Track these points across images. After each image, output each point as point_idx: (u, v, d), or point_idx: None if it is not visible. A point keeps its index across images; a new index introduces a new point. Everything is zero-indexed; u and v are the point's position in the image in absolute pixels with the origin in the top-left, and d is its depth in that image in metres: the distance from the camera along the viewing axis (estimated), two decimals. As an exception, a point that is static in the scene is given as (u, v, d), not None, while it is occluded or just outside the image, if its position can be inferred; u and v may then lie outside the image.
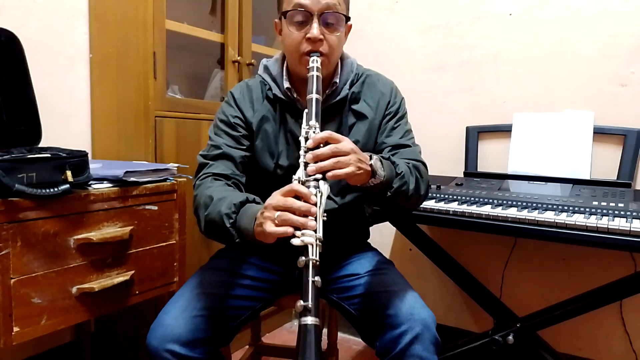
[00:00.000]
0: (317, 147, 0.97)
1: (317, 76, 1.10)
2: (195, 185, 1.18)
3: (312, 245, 0.88)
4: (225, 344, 1.16)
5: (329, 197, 1.05)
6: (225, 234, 1.02)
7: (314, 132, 1.01)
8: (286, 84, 1.21)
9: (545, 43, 1.77)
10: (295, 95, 1.22)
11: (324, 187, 0.95)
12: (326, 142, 0.97)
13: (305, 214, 0.89)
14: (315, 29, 1.11)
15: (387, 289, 1.13)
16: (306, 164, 0.97)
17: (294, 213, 0.89)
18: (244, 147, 1.22)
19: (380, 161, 1.06)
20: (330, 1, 1.12)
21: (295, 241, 0.88)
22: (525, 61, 1.81)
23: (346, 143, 0.98)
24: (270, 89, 1.24)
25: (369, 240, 1.43)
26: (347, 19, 1.18)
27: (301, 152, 1.00)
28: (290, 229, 0.88)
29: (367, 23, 2.13)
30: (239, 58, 1.88)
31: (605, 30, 1.66)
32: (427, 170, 1.23)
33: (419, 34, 2.02)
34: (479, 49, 1.89)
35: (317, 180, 0.95)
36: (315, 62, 1.11)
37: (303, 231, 0.88)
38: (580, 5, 1.70)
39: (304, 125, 1.05)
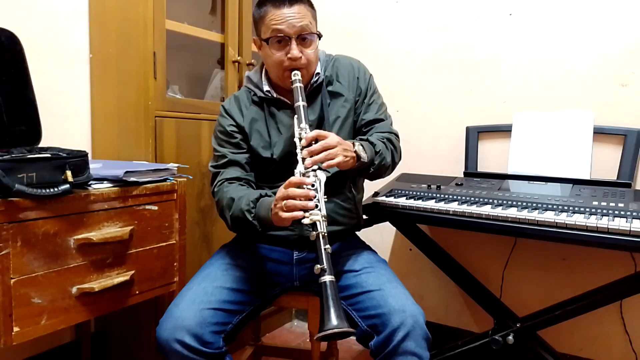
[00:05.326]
0: (309, 144, 1.18)
1: (299, 87, 1.29)
2: (213, 192, 1.37)
3: (319, 222, 1.10)
4: (232, 339, 1.21)
5: (322, 169, 1.29)
6: (249, 226, 1.23)
7: (305, 132, 1.22)
8: (266, 87, 1.39)
9: (545, 43, 1.77)
10: (275, 95, 1.39)
11: (321, 175, 1.17)
12: (317, 139, 1.18)
13: (305, 198, 1.10)
14: (294, 50, 1.29)
15: (380, 288, 1.20)
16: (303, 159, 1.18)
17: (296, 199, 1.10)
18: (245, 150, 1.39)
19: (362, 145, 1.26)
20: (305, 24, 1.29)
21: (305, 220, 1.10)
22: (525, 61, 1.81)
23: (332, 137, 1.19)
24: (255, 94, 1.40)
25: (363, 239, 1.48)
26: (320, 35, 1.35)
27: (297, 150, 1.21)
28: (299, 213, 1.10)
29: (367, 23, 2.13)
30: (239, 58, 1.88)
31: (605, 30, 1.66)
32: (398, 139, 1.42)
33: (419, 34, 2.02)
34: (479, 49, 1.89)
35: (314, 170, 1.17)
36: (296, 75, 1.30)
37: (310, 212, 1.10)
38: (581, 5, 1.70)
39: (296, 127, 1.25)
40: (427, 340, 1.13)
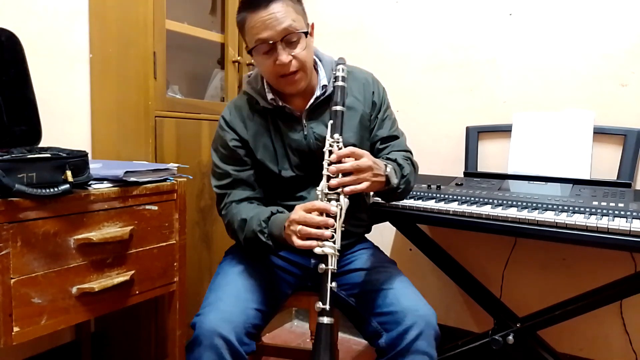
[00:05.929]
0: (339, 160, 1.08)
1: (342, 86, 1.19)
2: (222, 214, 1.31)
3: (331, 256, 1.04)
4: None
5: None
6: (263, 246, 1.18)
7: (338, 147, 1.11)
8: (270, 96, 1.27)
9: (545, 43, 1.77)
10: (280, 104, 1.28)
11: (344, 201, 1.08)
12: (349, 157, 1.09)
13: (322, 227, 1.03)
14: (281, 56, 1.17)
15: (392, 287, 1.19)
16: (329, 177, 1.08)
17: (312, 227, 1.03)
18: (249, 166, 1.31)
19: (394, 170, 1.18)
20: (287, 24, 1.16)
21: (317, 250, 1.03)
22: (525, 61, 1.81)
23: (366, 159, 1.08)
24: (257, 102, 1.30)
25: (371, 240, 1.47)
26: (306, 32, 1.21)
27: (324, 163, 1.10)
28: (313, 243, 1.03)
29: (367, 23, 2.13)
30: (239, 58, 1.88)
31: (605, 30, 1.66)
32: (413, 155, 1.37)
33: (419, 34, 2.01)
34: (479, 49, 1.89)
35: (338, 194, 1.07)
36: (339, 70, 1.20)
37: (324, 242, 1.03)
38: (581, 5, 1.70)
39: (328, 136, 1.14)
40: (437, 339, 1.13)
